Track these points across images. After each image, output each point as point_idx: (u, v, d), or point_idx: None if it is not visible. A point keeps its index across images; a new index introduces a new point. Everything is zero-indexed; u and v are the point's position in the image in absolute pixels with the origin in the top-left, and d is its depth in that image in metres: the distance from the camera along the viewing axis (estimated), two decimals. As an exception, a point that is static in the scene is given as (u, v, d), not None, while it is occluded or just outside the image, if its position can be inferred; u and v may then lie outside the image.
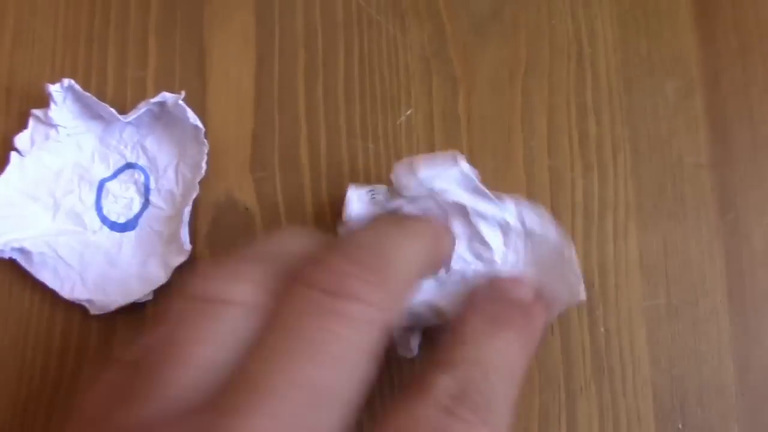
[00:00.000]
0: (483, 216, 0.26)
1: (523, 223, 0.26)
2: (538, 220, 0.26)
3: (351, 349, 0.17)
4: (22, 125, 0.28)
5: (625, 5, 0.31)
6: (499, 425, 0.19)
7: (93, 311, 0.28)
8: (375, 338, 0.17)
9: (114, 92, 0.30)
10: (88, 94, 0.28)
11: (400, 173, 0.25)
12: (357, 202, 0.26)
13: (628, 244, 0.29)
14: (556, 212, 0.28)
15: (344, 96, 0.30)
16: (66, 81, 0.27)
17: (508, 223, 0.26)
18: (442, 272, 0.26)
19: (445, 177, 0.25)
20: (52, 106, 0.28)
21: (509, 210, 0.26)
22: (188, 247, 0.28)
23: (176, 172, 0.29)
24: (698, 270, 0.29)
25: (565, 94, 0.30)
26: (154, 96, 0.27)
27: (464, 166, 0.25)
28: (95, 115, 0.29)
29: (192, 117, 0.28)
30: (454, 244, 0.25)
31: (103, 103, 0.28)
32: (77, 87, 0.27)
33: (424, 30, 0.31)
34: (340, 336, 0.16)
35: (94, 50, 0.30)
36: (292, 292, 0.17)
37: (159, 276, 0.28)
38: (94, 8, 0.31)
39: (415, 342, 0.27)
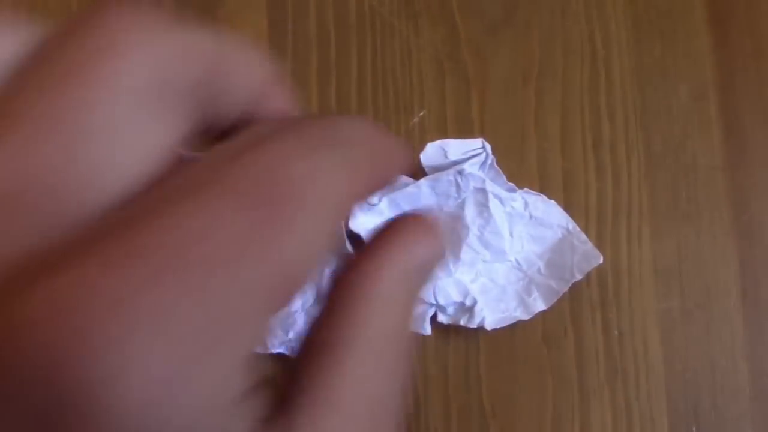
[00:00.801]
0: (498, 204, 0.27)
1: (528, 210, 0.27)
2: (541, 205, 0.27)
3: None
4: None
5: (639, 7, 0.31)
6: None
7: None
8: None
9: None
10: None
11: (431, 153, 0.27)
12: None
13: (641, 247, 0.29)
14: (569, 214, 0.28)
15: (357, 97, 0.30)
16: None
17: (515, 210, 0.27)
18: (450, 264, 0.27)
19: (472, 162, 0.27)
20: None
21: (516, 197, 0.27)
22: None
23: None
24: (712, 273, 0.29)
25: (579, 96, 0.30)
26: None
27: (489, 151, 0.27)
28: None
29: None
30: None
31: None
32: None
33: (438, 32, 0.31)
34: None
35: (107, 51, 0.30)
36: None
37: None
38: (106, 9, 0.31)
39: (427, 322, 0.27)
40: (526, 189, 0.28)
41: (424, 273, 0.17)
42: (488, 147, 0.27)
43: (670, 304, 0.28)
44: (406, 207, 0.27)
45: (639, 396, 0.28)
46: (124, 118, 0.12)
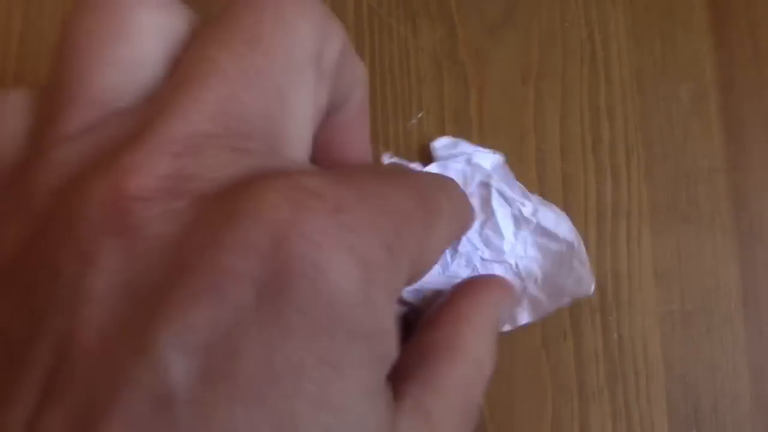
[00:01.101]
0: (502, 202, 0.27)
1: (536, 218, 0.27)
2: (552, 216, 0.27)
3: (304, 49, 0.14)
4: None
5: (639, 8, 0.31)
6: None
7: None
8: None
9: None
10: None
11: (442, 141, 0.28)
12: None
13: (641, 249, 0.29)
14: (568, 216, 0.28)
15: (355, 98, 0.30)
16: None
17: (522, 214, 0.27)
18: (447, 255, 0.26)
19: (482, 155, 0.27)
20: None
21: (526, 203, 0.27)
22: None
23: None
24: (712, 275, 0.28)
25: (578, 97, 0.30)
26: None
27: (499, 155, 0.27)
28: None
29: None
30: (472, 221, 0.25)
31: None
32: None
33: (436, 32, 0.30)
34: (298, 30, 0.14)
35: (103, 52, 0.30)
36: None
37: None
38: (102, 9, 0.30)
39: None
40: (540, 196, 0.27)
41: (503, 321, 0.24)
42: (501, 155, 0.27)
43: (670, 306, 0.28)
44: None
45: (639, 399, 0.27)
46: (299, 83, 0.14)
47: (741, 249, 0.29)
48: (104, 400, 0.11)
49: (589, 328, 0.28)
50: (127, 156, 0.12)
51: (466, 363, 0.18)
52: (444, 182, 0.18)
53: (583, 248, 0.27)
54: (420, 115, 0.30)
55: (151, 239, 0.12)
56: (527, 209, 0.27)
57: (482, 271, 0.27)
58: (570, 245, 0.26)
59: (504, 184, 0.27)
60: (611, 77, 0.30)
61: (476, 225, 0.27)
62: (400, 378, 0.17)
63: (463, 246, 0.26)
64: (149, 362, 0.11)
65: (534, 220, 0.27)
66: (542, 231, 0.27)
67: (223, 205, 0.12)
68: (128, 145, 0.13)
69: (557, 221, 0.27)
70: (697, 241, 0.29)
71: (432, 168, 0.27)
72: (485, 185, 0.27)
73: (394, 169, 0.18)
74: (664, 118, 0.30)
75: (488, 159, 0.27)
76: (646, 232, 0.29)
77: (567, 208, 0.28)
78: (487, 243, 0.27)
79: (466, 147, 0.28)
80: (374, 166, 0.17)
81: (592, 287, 0.26)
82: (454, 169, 0.27)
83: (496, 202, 0.27)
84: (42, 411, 0.11)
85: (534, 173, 0.29)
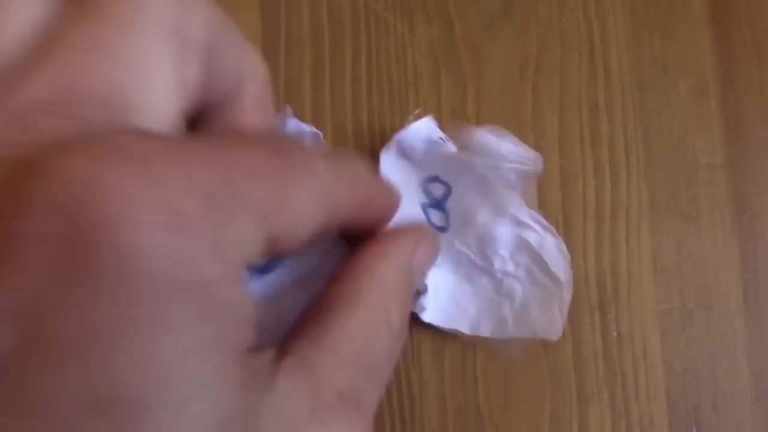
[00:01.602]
0: (515, 221, 0.26)
1: (540, 247, 0.26)
2: (554, 252, 0.26)
3: None
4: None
5: (638, 2, 0.30)
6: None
7: None
8: None
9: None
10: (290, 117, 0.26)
11: (466, 128, 0.27)
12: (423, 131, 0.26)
13: (640, 246, 0.28)
14: (566, 213, 0.28)
15: (351, 95, 0.30)
16: None
17: (527, 240, 0.26)
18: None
19: (513, 167, 0.26)
20: None
21: (535, 231, 0.26)
22: None
23: None
24: (713, 272, 0.28)
25: (577, 92, 0.30)
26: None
27: (538, 168, 0.26)
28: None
29: (307, 126, 0.26)
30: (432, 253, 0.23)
31: (305, 129, 0.26)
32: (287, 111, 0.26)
33: (433, 27, 0.30)
34: None
35: (97, 49, 0.30)
36: None
37: None
38: (96, 6, 0.30)
39: (424, 299, 0.26)
40: (551, 226, 0.27)
41: (419, 272, 0.20)
42: (540, 165, 0.26)
43: (670, 304, 0.28)
44: (447, 171, 0.27)
45: (638, 398, 0.27)
46: (153, 53, 0.14)
47: (741, 245, 0.28)
48: None
49: (588, 326, 0.27)
50: None
51: (366, 313, 0.17)
52: (331, 153, 0.17)
53: (568, 295, 0.26)
54: (417, 111, 0.29)
55: None
56: (534, 238, 0.26)
57: (465, 275, 0.27)
58: (559, 286, 0.26)
59: (523, 204, 0.26)
60: (610, 72, 0.30)
61: (480, 229, 0.26)
62: (291, 336, 0.16)
63: (459, 246, 0.26)
64: None
65: (535, 248, 0.26)
66: (540, 262, 0.26)
67: (29, 168, 0.12)
68: None
69: (557, 258, 0.26)
70: (697, 238, 0.28)
71: (474, 162, 0.26)
72: (506, 197, 0.26)
73: (276, 138, 0.17)
74: (664, 113, 0.29)
75: (516, 170, 0.26)
76: (646, 228, 0.28)
77: (565, 204, 0.28)
78: (482, 249, 0.26)
79: (507, 146, 0.26)
80: (253, 136, 0.17)
81: (560, 333, 0.26)
82: (481, 168, 0.26)
83: (509, 218, 0.26)
84: None
85: (532, 170, 0.29)
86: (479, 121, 0.29)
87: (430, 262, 0.21)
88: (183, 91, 0.15)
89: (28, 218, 0.11)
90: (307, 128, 0.26)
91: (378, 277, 0.18)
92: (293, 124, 0.26)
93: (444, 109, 0.29)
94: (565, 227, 0.27)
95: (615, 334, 0.28)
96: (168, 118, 0.15)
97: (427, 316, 0.26)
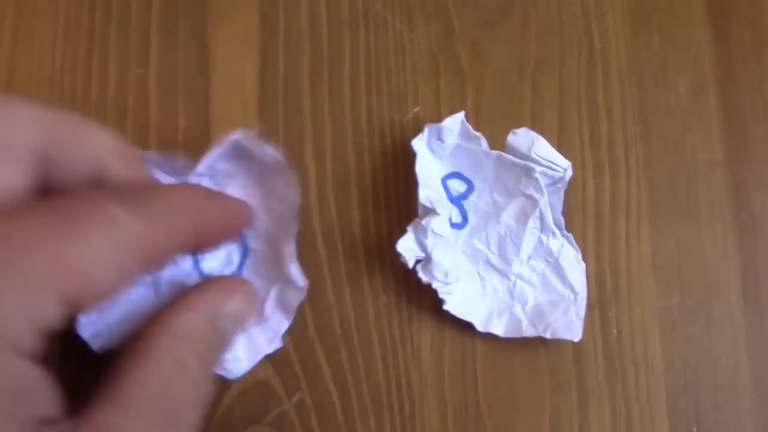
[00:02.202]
0: (538, 225, 0.27)
1: (559, 254, 0.27)
2: (572, 260, 0.27)
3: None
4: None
5: (637, 0, 0.30)
6: None
7: (232, 380, 0.26)
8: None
9: (115, 91, 0.29)
10: (155, 155, 0.25)
11: (518, 139, 0.27)
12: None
13: (640, 244, 0.28)
14: (567, 212, 0.28)
15: (350, 94, 0.30)
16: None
17: (547, 246, 0.27)
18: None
19: (546, 172, 0.26)
20: None
21: (557, 239, 0.27)
22: (303, 283, 0.26)
23: (268, 210, 0.26)
24: (712, 270, 0.28)
25: (576, 90, 0.30)
26: (156, 96, 0.27)
27: (567, 178, 0.27)
28: (170, 171, 0.26)
29: (269, 150, 0.25)
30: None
31: (173, 159, 0.25)
32: (149, 154, 0.25)
33: (432, 26, 0.30)
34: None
35: (95, 48, 0.30)
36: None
37: (281, 321, 0.26)
38: (95, 6, 0.30)
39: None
40: (569, 235, 0.27)
41: (234, 320, 0.21)
42: (570, 173, 0.27)
43: (670, 301, 0.28)
44: (474, 168, 0.27)
45: (639, 395, 0.27)
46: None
47: (741, 243, 0.28)
48: None
49: (588, 323, 0.27)
50: None
51: (158, 365, 0.18)
52: (140, 192, 0.18)
53: (584, 302, 0.26)
54: (416, 110, 0.29)
55: None
56: (555, 245, 0.27)
57: (481, 271, 0.27)
58: (574, 293, 0.26)
59: (549, 210, 0.27)
60: (609, 70, 0.30)
61: (502, 230, 0.27)
62: (93, 398, 0.17)
63: (479, 236, 0.27)
64: None
65: (556, 256, 0.27)
66: (556, 269, 0.27)
67: None
68: None
69: (574, 267, 0.27)
70: (697, 236, 0.28)
71: (492, 156, 0.27)
72: (532, 201, 0.26)
73: (70, 197, 0.18)
74: (663, 111, 0.29)
75: (549, 175, 0.26)
76: (645, 226, 0.28)
77: (565, 202, 0.28)
78: (501, 250, 0.27)
79: (541, 148, 0.27)
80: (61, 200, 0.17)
81: (579, 336, 0.26)
82: (512, 169, 0.26)
83: (533, 222, 0.26)
84: None
85: (531, 168, 0.29)
86: (478, 120, 0.29)
87: (246, 310, 0.22)
88: (9, 186, 0.16)
89: None
90: (270, 153, 0.25)
91: (172, 328, 0.19)
92: (255, 146, 0.25)
93: (443, 107, 0.29)
94: (565, 225, 0.27)
95: (615, 331, 0.28)
96: None
97: (448, 305, 0.26)
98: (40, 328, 0.14)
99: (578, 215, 0.28)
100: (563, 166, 0.26)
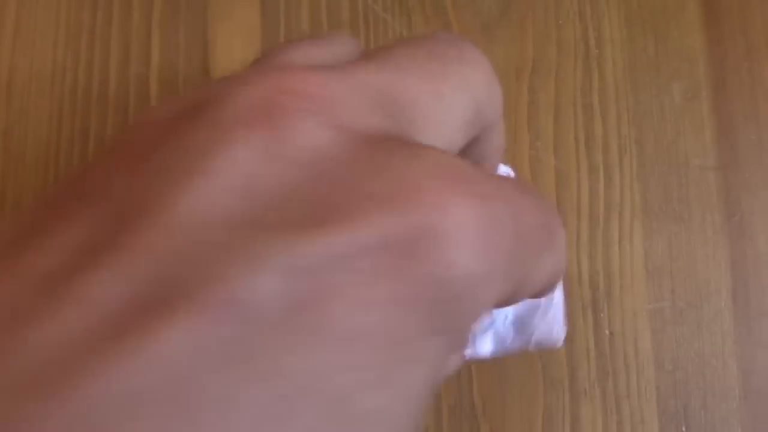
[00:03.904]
0: None
1: None
2: None
3: None
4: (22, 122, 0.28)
5: (633, 6, 0.31)
6: None
7: None
8: None
9: (116, 89, 0.29)
10: None
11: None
12: None
13: (633, 246, 0.29)
14: (561, 214, 0.28)
15: (349, 94, 0.30)
16: None
17: None
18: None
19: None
20: None
21: None
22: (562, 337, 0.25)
23: None
24: (703, 272, 0.29)
25: (572, 94, 0.30)
26: (157, 95, 0.27)
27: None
28: None
29: (503, 168, 0.26)
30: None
31: None
32: None
33: (431, 28, 0.30)
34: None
35: (96, 46, 0.30)
36: None
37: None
38: (96, 3, 0.30)
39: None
40: None
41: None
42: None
43: (661, 303, 0.28)
44: None
45: (630, 395, 0.28)
46: (458, 132, 0.15)
47: (731, 246, 0.29)
48: (179, 292, 0.10)
49: (581, 324, 0.28)
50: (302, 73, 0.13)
51: None
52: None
53: (561, 303, 0.26)
54: (414, 112, 0.30)
55: (296, 148, 0.11)
56: None
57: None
58: (550, 297, 0.26)
59: None
60: (605, 74, 0.30)
61: None
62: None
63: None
64: (245, 263, 0.10)
65: None
66: None
67: (380, 154, 0.12)
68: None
69: None
70: (688, 239, 0.29)
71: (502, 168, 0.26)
72: None
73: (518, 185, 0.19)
74: (657, 115, 0.30)
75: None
76: (638, 229, 0.29)
77: (559, 204, 0.29)
78: None
79: None
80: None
81: (561, 342, 0.26)
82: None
83: None
84: (83, 269, 0.10)
85: (527, 169, 0.29)
86: (475, 122, 0.30)
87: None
88: (461, 140, 0.16)
89: (376, 207, 0.11)
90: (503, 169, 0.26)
91: None
92: None
93: (441, 109, 0.30)
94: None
95: (607, 332, 0.28)
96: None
97: None
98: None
99: (572, 217, 0.29)
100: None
